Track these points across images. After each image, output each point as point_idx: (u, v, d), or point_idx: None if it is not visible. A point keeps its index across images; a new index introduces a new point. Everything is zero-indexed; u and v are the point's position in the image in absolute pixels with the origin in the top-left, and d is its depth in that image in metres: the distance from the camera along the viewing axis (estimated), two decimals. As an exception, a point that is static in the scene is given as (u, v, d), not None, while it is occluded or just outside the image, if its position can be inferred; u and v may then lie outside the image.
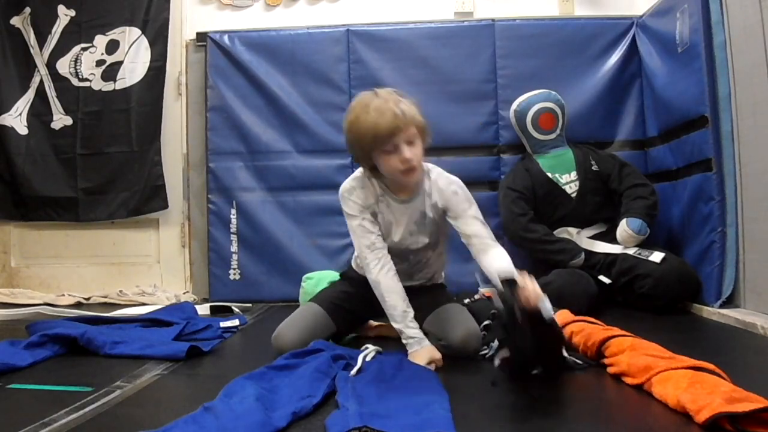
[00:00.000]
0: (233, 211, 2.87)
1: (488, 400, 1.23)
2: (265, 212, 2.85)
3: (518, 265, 2.68)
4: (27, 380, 1.45)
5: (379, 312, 1.66)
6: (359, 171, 1.64)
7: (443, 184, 1.62)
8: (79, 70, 3.01)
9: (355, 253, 1.77)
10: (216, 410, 1.09)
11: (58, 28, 3.03)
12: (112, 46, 3.00)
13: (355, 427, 0.99)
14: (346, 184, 1.64)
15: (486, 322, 1.89)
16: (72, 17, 3.03)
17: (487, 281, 1.53)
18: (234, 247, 2.86)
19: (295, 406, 1.13)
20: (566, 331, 1.61)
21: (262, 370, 1.35)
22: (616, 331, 1.50)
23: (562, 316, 1.74)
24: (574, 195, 2.51)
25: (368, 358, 1.44)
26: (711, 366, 1.18)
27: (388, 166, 1.51)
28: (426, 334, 1.57)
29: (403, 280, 1.61)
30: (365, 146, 1.50)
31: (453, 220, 1.62)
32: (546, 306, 1.29)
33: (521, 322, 1.24)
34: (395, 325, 1.56)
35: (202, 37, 2.95)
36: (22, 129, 3.02)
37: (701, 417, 1.00)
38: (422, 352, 1.49)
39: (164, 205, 2.97)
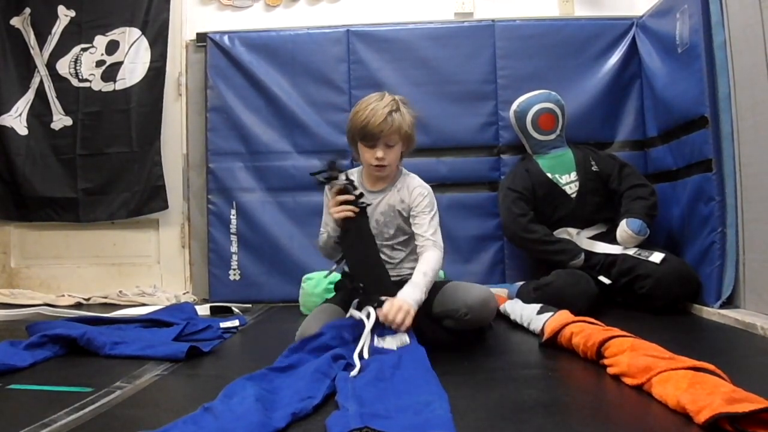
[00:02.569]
0: (233, 211, 2.87)
1: (488, 400, 1.23)
2: (265, 212, 2.85)
3: (518, 265, 2.73)
4: (27, 381, 1.45)
5: None
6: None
7: (414, 185, 1.84)
8: (79, 71, 3.01)
9: None
10: (215, 411, 1.09)
11: (58, 29, 3.03)
12: (112, 47, 3.00)
13: (355, 427, 0.99)
14: None
15: None
16: (72, 18, 3.03)
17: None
18: (234, 248, 2.86)
19: (295, 407, 1.13)
20: (566, 331, 1.62)
21: (262, 371, 1.35)
22: (616, 331, 1.49)
23: (563, 316, 1.73)
24: (574, 195, 2.51)
25: (365, 355, 1.44)
26: (711, 366, 1.18)
27: (365, 156, 1.79)
28: (439, 319, 1.72)
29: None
30: (354, 135, 1.80)
31: (412, 218, 1.81)
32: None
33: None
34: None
35: (202, 37, 2.95)
36: (22, 129, 3.02)
37: (701, 417, 1.00)
38: None
39: (164, 206, 2.97)
